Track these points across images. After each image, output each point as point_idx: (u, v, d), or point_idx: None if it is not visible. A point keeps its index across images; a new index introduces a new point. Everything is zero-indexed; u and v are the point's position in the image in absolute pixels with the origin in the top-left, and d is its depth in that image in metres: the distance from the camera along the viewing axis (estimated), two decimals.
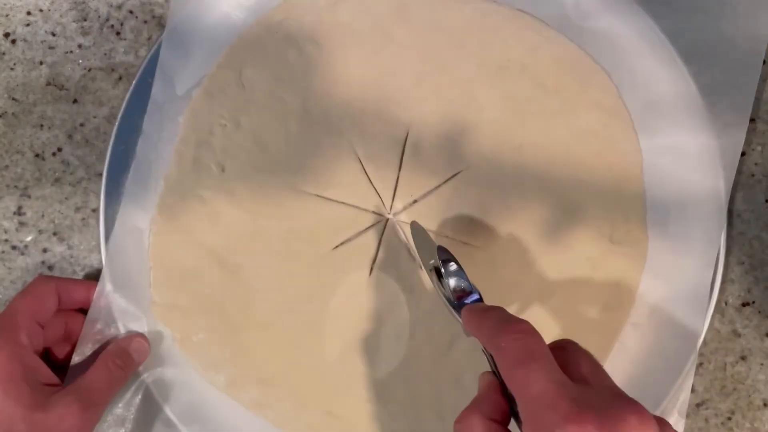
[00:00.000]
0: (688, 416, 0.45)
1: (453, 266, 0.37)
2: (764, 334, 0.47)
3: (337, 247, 0.46)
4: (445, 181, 0.46)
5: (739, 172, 0.47)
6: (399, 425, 0.45)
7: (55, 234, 0.49)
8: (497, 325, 0.31)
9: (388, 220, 0.46)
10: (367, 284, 0.46)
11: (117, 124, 0.47)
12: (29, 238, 0.49)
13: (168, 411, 0.45)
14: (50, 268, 0.48)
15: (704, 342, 0.46)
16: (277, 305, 0.46)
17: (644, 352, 0.45)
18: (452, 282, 0.36)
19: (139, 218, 0.46)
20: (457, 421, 0.31)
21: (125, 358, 0.44)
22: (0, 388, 0.39)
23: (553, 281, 0.45)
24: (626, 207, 0.46)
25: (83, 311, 0.45)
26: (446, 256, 0.38)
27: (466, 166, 0.46)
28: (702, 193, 0.45)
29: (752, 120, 0.48)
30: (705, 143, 0.45)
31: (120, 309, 0.45)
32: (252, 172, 0.47)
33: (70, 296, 0.45)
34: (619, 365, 0.45)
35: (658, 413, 0.43)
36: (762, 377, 0.47)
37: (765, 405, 0.47)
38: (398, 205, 0.46)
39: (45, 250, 0.49)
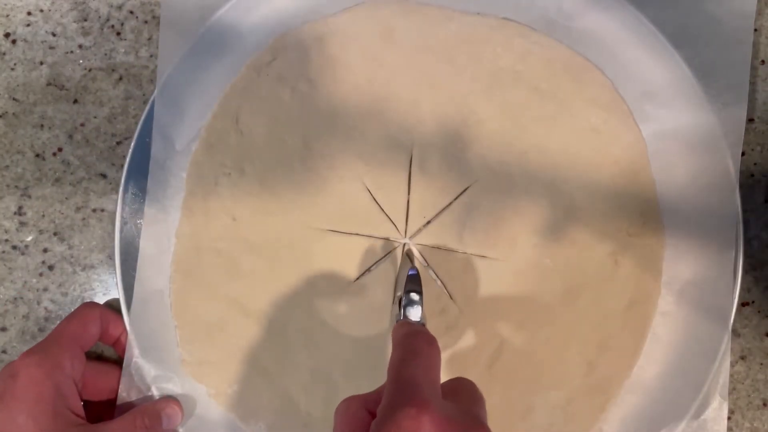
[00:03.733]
0: None
1: (414, 296, 0.40)
2: (764, 333, 0.47)
3: (357, 278, 0.46)
4: (456, 198, 0.46)
5: (738, 172, 0.47)
6: None
7: (55, 234, 0.49)
8: (409, 331, 0.35)
9: (405, 245, 0.47)
10: (392, 312, 0.46)
11: (121, 188, 0.47)
12: (30, 238, 0.49)
13: None
14: (51, 268, 0.49)
15: None
16: (307, 345, 0.46)
17: (677, 339, 0.45)
18: (407, 310, 0.39)
19: (156, 280, 0.46)
20: (341, 402, 0.32)
21: (154, 419, 0.43)
22: (26, 407, 0.39)
23: (577, 283, 0.46)
24: (638, 198, 0.46)
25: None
26: (412, 287, 0.40)
27: (474, 181, 0.46)
28: (711, 174, 0.45)
29: (751, 120, 0.48)
30: (707, 124, 0.45)
31: (151, 374, 0.45)
32: (263, 217, 0.46)
33: (107, 327, 0.45)
34: (654, 356, 0.45)
35: (699, 399, 0.44)
36: (762, 377, 0.47)
37: (765, 405, 0.47)
38: (412, 228, 0.46)
39: (45, 250, 0.49)
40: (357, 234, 0.46)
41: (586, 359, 0.45)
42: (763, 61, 0.48)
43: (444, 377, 0.42)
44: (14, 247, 0.49)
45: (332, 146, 0.47)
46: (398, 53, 0.48)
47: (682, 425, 0.44)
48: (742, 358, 0.47)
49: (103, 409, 0.45)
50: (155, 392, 0.45)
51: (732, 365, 0.47)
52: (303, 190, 0.47)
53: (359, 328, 0.46)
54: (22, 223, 0.49)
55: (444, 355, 0.45)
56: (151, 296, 0.46)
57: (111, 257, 0.48)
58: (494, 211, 0.46)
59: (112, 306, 0.48)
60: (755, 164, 0.48)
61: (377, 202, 0.46)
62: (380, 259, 0.46)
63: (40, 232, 0.49)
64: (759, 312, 0.47)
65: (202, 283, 0.46)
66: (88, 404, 0.44)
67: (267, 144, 0.47)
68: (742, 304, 0.47)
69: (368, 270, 0.46)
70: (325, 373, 0.46)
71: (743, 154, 0.48)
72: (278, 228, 0.46)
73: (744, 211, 0.47)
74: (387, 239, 0.46)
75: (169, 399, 0.45)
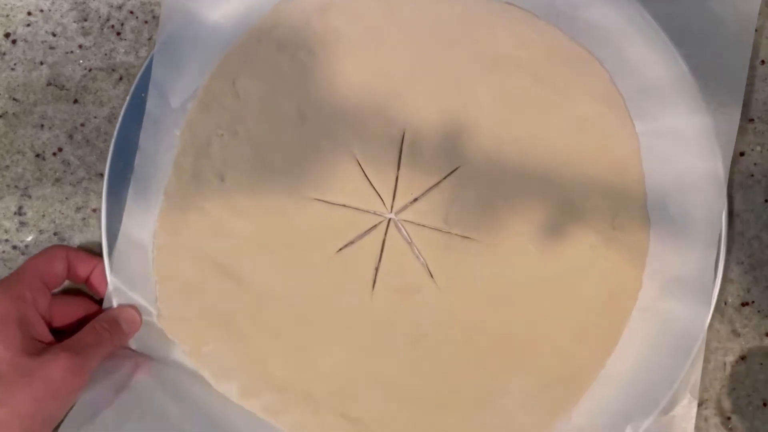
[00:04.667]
0: None
1: None
2: (764, 333, 0.47)
3: (341, 249, 0.46)
4: (444, 178, 0.46)
5: (738, 172, 0.47)
6: (417, 422, 0.45)
7: (55, 234, 0.49)
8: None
9: (390, 220, 0.47)
10: (373, 284, 0.46)
11: (113, 141, 0.47)
12: (30, 238, 0.49)
13: (176, 409, 0.45)
14: None
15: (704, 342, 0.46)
16: (285, 311, 0.46)
17: (653, 335, 0.45)
18: None
19: (141, 233, 0.46)
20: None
21: (113, 324, 0.44)
22: None
23: (558, 271, 0.46)
24: (626, 192, 0.46)
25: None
26: None
27: (464, 162, 0.46)
28: (700, 174, 0.45)
29: (751, 120, 0.48)
30: (700, 124, 0.45)
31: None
32: (252, 181, 0.47)
33: (75, 267, 0.45)
34: (630, 349, 0.45)
35: (669, 396, 0.44)
36: (762, 377, 0.47)
37: (765, 405, 0.47)
38: (399, 204, 0.47)
39: None
40: (343, 205, 0.46)
41: (562, 348, 0.45)
42: (763, 61, 0.48)
43: (416, 355, 0.46)
44: (14, 247, 0.49)
45: (326, 117, 0.47)
46: (399, 30, 0.48)
47: (650, 419, 0.44)
48: (742, 358, 0.47)
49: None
50: (132, 344, 0.45)
51: (732, 365, 0.47)
52: (293, 158, 0.47)
53: (339, 299, 0.46)
54: (23, 223, 0.49)
55: (417, 332, 0.46)
56: (135, 248, 0.46)
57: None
58: (483, 194, 0.46)
59: (88, 249, 0.48)
60: (755, 164, 0.48)
61: (366, 176, 0.47)
62: (364, 233, 0.46)
63: (41, 232, 0.49)
64: (758, 312, 0.47)
65: (186, 242, 0.46)
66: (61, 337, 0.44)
67: (262, 109, 0.47)
68: (742, 304, 0.47)
69: (351, 242, 0.46)
70: (301, 342, 0.46)
71: (742, 154, 0.48)
72: (266, 193, 0.46)
73: (744, 211, 0.47)
74: (373, 213, 0.47)
75: (123, 306, 0.45)
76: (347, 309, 0.46)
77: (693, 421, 0.44)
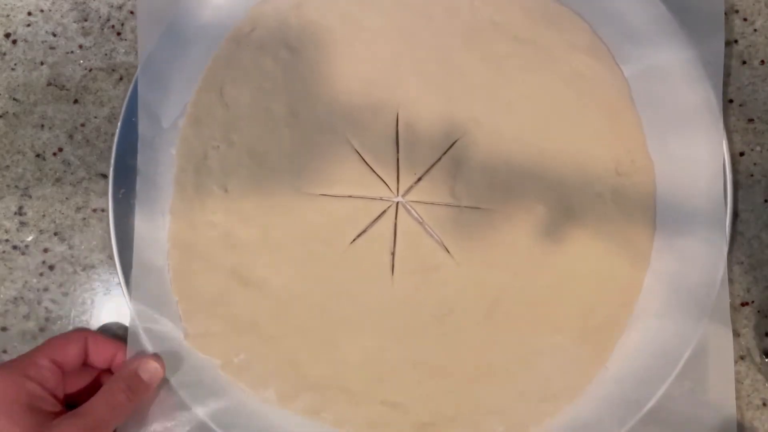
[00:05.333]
0: None
1: None
2: (763, 333, 0.47)
3: (354, 240, 0.46)
4: (444, 153, 0.47)
5: (738, 172, 0.47)
6: (456, 398, 0.45)
7: (56, 234, 0.49)
8: None
9: (398, 203, 0.47)
10: (392, 269, 0.46)
11: (112, 168, 0.47)
12: (30, 238, 0.49)
13: None
14: (51, 268, 0.49)
15: None
16: (309, 310, 0.46)
17: (677, 269, 0.45)
18: None
19: (154, 256, 0.46)
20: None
21: (133, 380, 0.43)
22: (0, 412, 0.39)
23: (570, 226, 0.46)
24: (626, 139, 0.47)
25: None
26: None
27: (461, 134, 0.47)
28: (695, 107, 0.46)
29: (751, 120, 0.48)
30: (686, 59, 0.46)
31: (156, 349, 0.45)
32: (255, 186, 0.47)
33: (97, 350, 0.44)
34: (654, 289, 0.45)
35: (701, 329, 0.44)
36: (761, 377, 0.47)
37: (764, 405, 0.47)
38: (404, 186, 0.47)
39: (46, 250, 0.49)
40: (350, 196, 0.47)
41: (587, 300, 0.45)
42: (762, 61, 0.48)
43: (444, 332, 0.46)
44: (15, 247, 0.49)
45: (318, 111, 0.47)
46: (376, 14, 0.48)
47: (685, 356, 0.44)
48: (742, 358, 0.47)
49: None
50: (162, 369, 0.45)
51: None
52: (292, 157, 0.47)
53: (360, 290, 0.46)
54: (23, 223, 0.49)
55: (442, 309, 0.46)
56: (151, 272, 0.46)
57: (111, 257, 0.48)
58: (484, 162, 0.46)
59: (116, 333, 0.48)
60: (755, 164, 0.48)
61: (367, 163, 0.47)
62: (375, 220, 0.46)
63: (41, 232, 0.49)
64: (758, 312, 0.47)
65: (200, 257, 0.46)
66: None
67: (253, 114, 0.47)
68: (742, 304, 0.47)
69: (364, 231, 0.46)
70: (330, 337, 0.46)
71: (742, 154, 0.48)
72: (271, 196, 0.47)
73: (744, 211, 0.47)
74: (380, 199, 0.47)
75: (142, 356, 0.45)
76: (370, 298, 0.46)
77: (731, 342, 0.44)
